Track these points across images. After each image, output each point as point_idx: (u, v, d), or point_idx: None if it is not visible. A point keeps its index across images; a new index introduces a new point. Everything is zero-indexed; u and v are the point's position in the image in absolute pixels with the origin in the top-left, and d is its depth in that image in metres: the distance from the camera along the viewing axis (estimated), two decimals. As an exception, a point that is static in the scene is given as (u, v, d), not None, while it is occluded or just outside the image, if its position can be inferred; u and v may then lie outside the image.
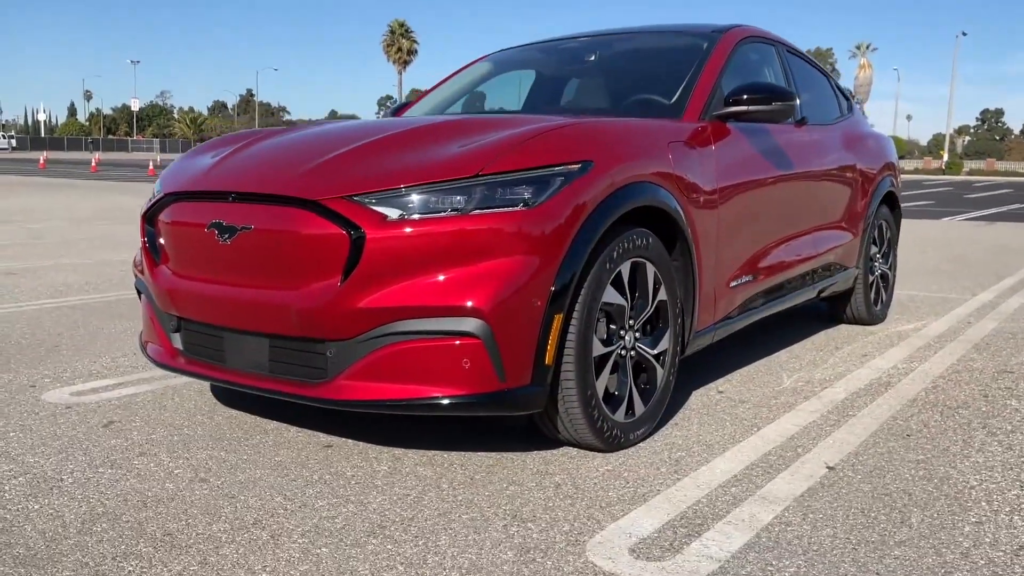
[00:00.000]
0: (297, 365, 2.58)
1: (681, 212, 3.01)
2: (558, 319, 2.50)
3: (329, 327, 2.47)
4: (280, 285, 2.55)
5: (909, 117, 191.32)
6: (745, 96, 3.44)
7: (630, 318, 2.84)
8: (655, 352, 2.97)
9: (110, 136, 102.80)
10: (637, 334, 2.89)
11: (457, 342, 2.40)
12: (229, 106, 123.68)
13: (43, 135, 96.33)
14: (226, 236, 2.62)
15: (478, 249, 2.43)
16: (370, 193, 2.46)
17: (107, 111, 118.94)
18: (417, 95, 4.64)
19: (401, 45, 75.64)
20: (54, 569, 1.97)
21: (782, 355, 4.34)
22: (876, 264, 5.17)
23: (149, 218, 2.97)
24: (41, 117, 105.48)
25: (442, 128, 2.88)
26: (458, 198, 2.45)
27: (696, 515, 2.33)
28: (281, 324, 2.55)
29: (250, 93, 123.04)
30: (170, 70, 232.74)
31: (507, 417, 2.95)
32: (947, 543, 2.18)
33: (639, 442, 2.90)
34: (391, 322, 2.42)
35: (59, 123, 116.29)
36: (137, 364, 3.92)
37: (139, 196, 17.93)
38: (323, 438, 2.92)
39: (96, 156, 52.25)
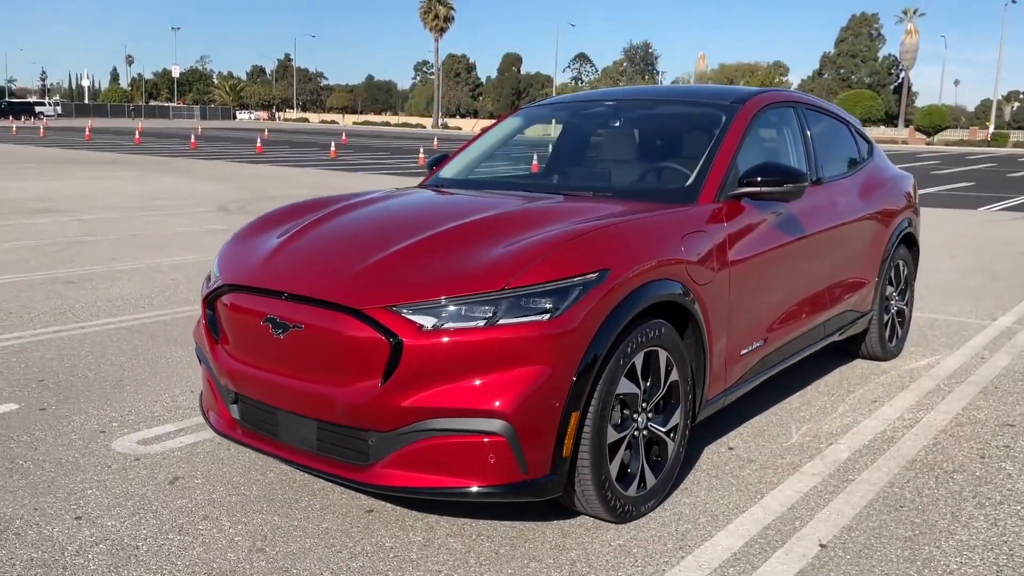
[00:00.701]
0: (342, 447, 2.89)
1: (692, 298, 3.26)
2: (575, 416, 2.79)
3: (370, 420, 2.78)
4: (328, 379, 2.85)
5: (956, 82, 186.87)
6: (759, 178, 3.65)
7: (643, 401, 3.11)
8: (666, 429, 3.24)
9: (152, 101, 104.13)
10: (650, 414, 3.17)
11: (485, 440, 2.70)
12: (268, 71, 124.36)
13: (87, 101, 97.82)
14: (280, 331, 2.94)
15: (504, 356, 2.71)
16: (408, 304, 2.75)
17: (148, 76, 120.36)
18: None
19: (438, 12, 75.55)
20: (139, 649, 2.32)
21: (794, 400, 4.58)
22: (892, 303, 5.36)
23: (209, 302, 3.29)
24: (85, 83, 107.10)
25: (476, 229, 3.15)
26: (487, 308, 2.73)
27: (695, 600, 2.62)
28: (328, 412, 2.87)
29: (288, 58, 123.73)
30: (209, 35, 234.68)
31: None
32: (918, 636, 2.46)
33: (649, 512, 3.19)
34: (426, 419, 2.73)
35: (102, 88, 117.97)
36: (194, 405, 4.27)
37: (182, 176, 18.40)
38: (364, 502, 3.24)
39: (139, 125, 53.06)
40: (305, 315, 2.90)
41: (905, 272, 5.49)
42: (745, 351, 3.74)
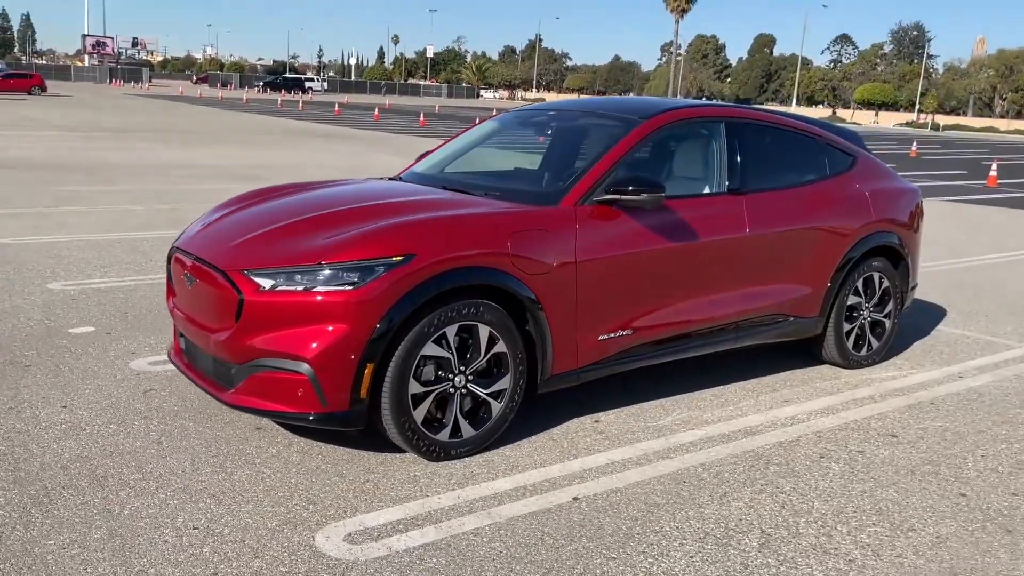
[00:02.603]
0: (222, 375, 3.86)
1: (523, 286, 3.89)
2: (370, 367, 3.57)
3: (229, 354, 3.72)
4: (212, 322, 3.83)
5: None
6: (630, 187, 4.18)
7: (460, 365, 3.81)
8: (489, 391, 3.91)
9: (410, 79, 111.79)
10: (470, 377, 3.86)
11: (295, 377, 3.56)
12: (518, 52, 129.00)
13: (351, 78, 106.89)
14: (190, 284, 3.96)
15: (315, 315, 3.55)
16: (254, 269, 3.66)
17: (410, 55, 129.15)
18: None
19: (681, -7, 74.72)
20: (31, 489, 3.42)
21: (709, 391, 4.97)
22: (863, 313, 5.50)
23: (169, 258, 4.38)
24: (351, 61, 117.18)
25: (336, 216, 3.99)
26: (307, 277, 3.58)
27: (422, 517, 3.33)
28: (211, 348, 3.84)
29: (539, 38, 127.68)
30: (467, 16, 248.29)
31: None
32: (557, 571, 3.03)
33: (463, 457, 3.88)
34: (261, 358, 3.63)
35: (368, 66, 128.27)
36: (212, 342, 5.43)
37: (389, 153, 20.29)
38: (259, 422, 4.20)
39: (387, 102, 57.37)
40: (201, 273, 3.89)
41: (884, 284, 5.59)
42: (604, 338, 4.27)
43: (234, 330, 3.67)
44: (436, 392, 3.78)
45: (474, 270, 3.77)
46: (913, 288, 5.96)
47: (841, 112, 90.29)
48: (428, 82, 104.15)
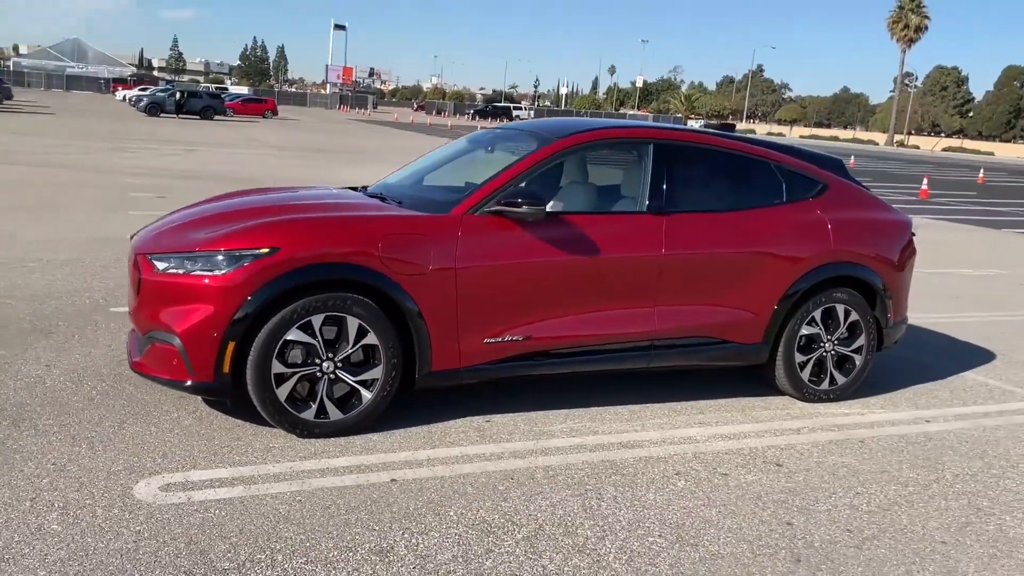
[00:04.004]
0: (141, 345, 4.49)
1: (394, 284, 4.22)
2: (231, 345, 4.05)
3: (136, 326, 4.35)
4: (131, 299, 4.48)
5: None
6: (518, 200, 4.42)
7: (327, 352, 4.20)
8: (359, 380, 4.27)
9: (621, 109, 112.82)
10: (339, 364, 4.24)
11: (171, 349, 4.11)
12: (735, 81, 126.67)
13: (562, 107, 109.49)
14: (133, 268, 4.64)
15: (190, 296, 4.09)
16: (154, 254, 4.27)
17: (625, 85, 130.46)
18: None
19: (909, 21, 70.54)
20: (-36, 421, 4.19)
21: (622, 408, 5.00)
22: (823, 345, 5.30)
23: (137, 247, 5.10)
24: (563, 90, 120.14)
25: (239, 214, 4.52)
26: (188, 263, 4.13)
27: (242, 479, 3.75)
28: (133, 321, 4.49)
29: (760, 68, 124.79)
30: (685, 46, 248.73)
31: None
32: (312, 531, 3.33)
33: (329, 436, 4.25)
34: (153, 330, 4.22)
35: (581, 95, 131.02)
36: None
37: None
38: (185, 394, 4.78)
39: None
40: (130, 257, 4.55)
41: (851, 318, 5.35)
42: (492, 341, 4.50)
43: (137, 304, 4.29)
44: (301, 374, 4.19)
45: (339, 266, 4.16)
46: (898, 324, 5.64)
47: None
48: (636, 111, 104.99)
